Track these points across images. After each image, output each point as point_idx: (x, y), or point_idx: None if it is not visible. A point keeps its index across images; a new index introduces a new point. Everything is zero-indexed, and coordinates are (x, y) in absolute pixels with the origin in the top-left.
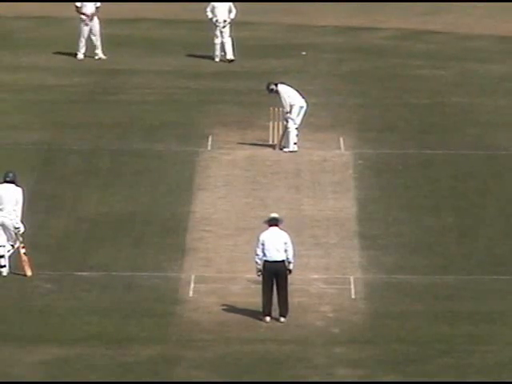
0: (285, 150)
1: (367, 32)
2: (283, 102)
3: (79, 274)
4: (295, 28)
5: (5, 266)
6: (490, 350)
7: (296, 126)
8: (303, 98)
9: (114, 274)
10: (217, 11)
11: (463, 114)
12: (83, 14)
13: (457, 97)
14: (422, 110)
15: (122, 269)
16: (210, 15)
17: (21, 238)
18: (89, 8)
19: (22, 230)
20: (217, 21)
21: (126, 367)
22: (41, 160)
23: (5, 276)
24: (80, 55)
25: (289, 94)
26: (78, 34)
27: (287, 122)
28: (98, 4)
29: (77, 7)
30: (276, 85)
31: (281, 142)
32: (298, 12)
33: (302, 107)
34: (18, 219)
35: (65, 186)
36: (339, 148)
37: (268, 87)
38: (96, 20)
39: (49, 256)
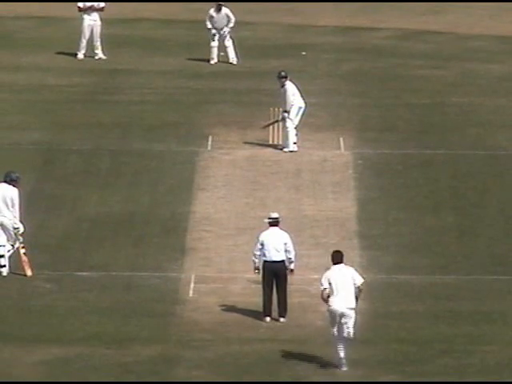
0: (285, 149)
1: (367, 32)
2: (287, 98)
3: (79, 273)
4: (295, 28)
5: (5, 265)
6: (490, 350)
7: (295, 126)
8: (303, 98)
9: (114, 273)
10: (214, 21)
11: (463, 114)
12: (84, 9)
13: (457, 97)
14: (421, 110)
15: (121, 269)
16: (209, 26)
17: (21, 238)
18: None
19: (21, 230)
20: (216, 31)
21: (126, 367)
22: (41, 160)
23: (5, 276)
24: (80, 55)
25: (293, 93)
26: (79, 34)
27: (284, 120)
28: (102, 4)
29: (79, 8)
30: (287, 78)
31: (268, 125)
32: (298, 12)
33: (300, 108)
34: (17, 219)
35: (65, 186)
36: (339, 148)
37: (280, 73)
38: (98, 21)
39: (49, 256)
